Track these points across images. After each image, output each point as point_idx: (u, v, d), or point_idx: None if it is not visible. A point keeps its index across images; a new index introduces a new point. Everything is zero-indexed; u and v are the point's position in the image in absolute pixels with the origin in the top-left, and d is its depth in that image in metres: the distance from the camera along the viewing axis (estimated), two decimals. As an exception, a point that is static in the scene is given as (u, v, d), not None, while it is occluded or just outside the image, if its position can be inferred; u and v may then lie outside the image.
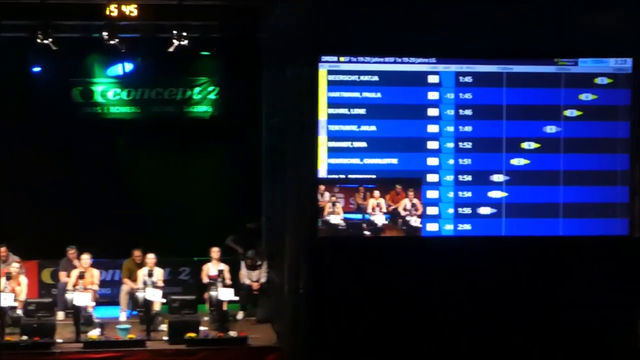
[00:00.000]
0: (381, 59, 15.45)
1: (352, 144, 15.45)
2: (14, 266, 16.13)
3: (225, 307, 15.89)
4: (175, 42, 16.78)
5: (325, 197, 15.39)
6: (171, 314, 15.58)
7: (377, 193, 15.44)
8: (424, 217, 15.54)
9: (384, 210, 15.43)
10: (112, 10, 15.90)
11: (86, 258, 16.39)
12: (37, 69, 17.93)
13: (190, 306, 15.64)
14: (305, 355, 14.94)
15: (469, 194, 15.63)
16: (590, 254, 15.41)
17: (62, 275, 16.81)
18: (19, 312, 15.54)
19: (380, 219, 15.46)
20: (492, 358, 15.24)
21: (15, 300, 15.57)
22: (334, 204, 15.39)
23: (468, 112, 15.63)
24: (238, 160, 18.42)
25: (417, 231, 15.51)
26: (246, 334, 15.41)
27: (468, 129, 15.62)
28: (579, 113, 15.75)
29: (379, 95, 15.48)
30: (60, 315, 16.17)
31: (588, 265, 15.33)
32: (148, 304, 15.72)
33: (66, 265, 16.85)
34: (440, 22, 15.02)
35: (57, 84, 18.18)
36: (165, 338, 15.31)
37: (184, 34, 16.67)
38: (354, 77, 15.46)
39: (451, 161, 15.59)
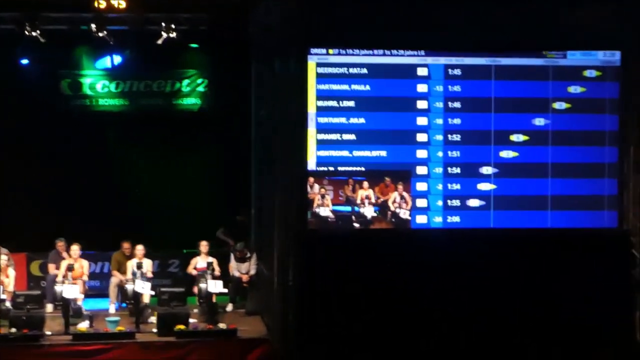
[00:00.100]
0: (370, 52, 15.42)
1: (341, 137, 15.43)
2: (3, 259, 16.11)
3: (214, 299, 15.91)
4: (164, 35, 16.77)
5: (314, 190, 15.38)
6: (160, 306, 15.60)
7: (366, 184, 15.43)
8: (413, 210, 15.54)
9: (373, 201, 15.43)
10: (101, 2, 15.85)
11: (76, 249, 16.41)
12: (25, 62, 17.86)
13: (179, 298, 15.69)
14: (294, 347, 14.97)
15: (458, 187, 15.63)
16: (579, 246, 15.45)
17: (51, 268, 16.79)
18: (8, 304, 15.54)
19: (369, 212, 15.46)
20: (480, 348, 15.28)
21: (4, 292, 15.56)
22: (323, 197, 15.38)
23: (457, 104, 15.61)
24: (227, 152, 18.43)
25: (406, 223, 15.52)
26: (235, 326, 15.44)
27: (457, 121, 15.61)
28: (568, 106, 15.76)
29: (368, 87, 15.46)
30: (49, 307, 16.14)
31: (577, 258, 15.37)
32: (137, 296, 15.74)
33: (55, 258, 16.84)
34: (429, 15, 15.01)
35: (46, 77, 18.12)
36: (155, 330, 15.34)
37: (173, 26, 16.66)
38: (343, 70, 15.43)
39: (440, 153, 15.59)
